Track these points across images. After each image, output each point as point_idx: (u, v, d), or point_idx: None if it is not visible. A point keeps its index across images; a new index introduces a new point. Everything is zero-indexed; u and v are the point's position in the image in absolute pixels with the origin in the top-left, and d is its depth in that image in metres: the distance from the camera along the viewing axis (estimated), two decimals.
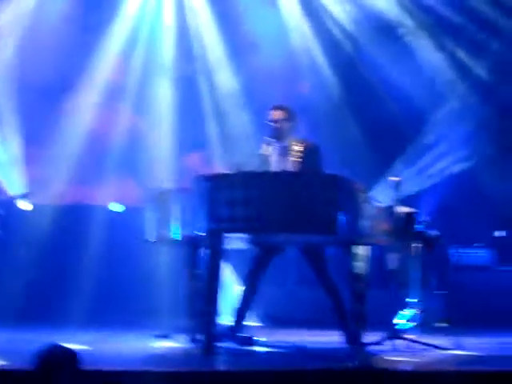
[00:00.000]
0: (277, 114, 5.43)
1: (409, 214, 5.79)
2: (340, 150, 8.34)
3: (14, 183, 8.20)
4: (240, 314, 5.43)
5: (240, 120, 9.12)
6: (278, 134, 5.41)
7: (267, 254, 5.46)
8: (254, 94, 9.03)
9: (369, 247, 5.13)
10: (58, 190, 8.70)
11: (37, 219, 8.09)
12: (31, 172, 8.45)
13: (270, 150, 5.45)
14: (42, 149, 8.72)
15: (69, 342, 3.37)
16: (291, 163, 5.34)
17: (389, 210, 5.27)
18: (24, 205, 7.75)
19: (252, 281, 5.45)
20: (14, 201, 7.61)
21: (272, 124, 5.42)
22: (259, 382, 3.70)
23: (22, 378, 3.34)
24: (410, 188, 8.12)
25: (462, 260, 8.13)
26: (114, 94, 9.06)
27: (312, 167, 5.29)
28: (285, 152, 5.41)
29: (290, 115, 5.47)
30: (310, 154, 5.37)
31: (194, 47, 9.31)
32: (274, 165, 5.39)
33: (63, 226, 8.17)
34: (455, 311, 7.37)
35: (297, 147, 5.39)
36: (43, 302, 7.50)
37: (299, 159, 5.34)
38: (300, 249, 5.51)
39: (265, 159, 5.44)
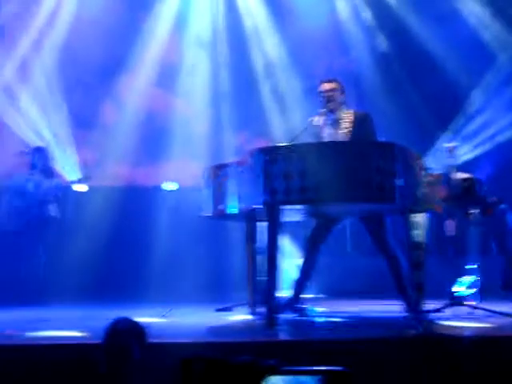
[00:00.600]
0: (328, 86, 5.45)
1: (466, 180, 5.73)
2: (390, 119, 8.28)
3: (69, 167, 8.37)
4: (299, 286, 5.47)
5: (290, 88, 9.11)
6: (329, 106, 5.41)
7: (326, 224, 5.48)
8: (301, 64, 9.00)
9: (426, 215, 5.09)
10: (113, 171, 8.86)
11: (93, 201, 8.27)
12: (85, 155, 8.61)
13: (322, 122, 5.45)
14: (95, 131, 8.88)
15: (135, 316, 3.44)
16: (343, 134, 5.34)
17: (446, 177, 5.22)
18: (80, 187, 7.91)
19: (311, 252, 5.48)
20: (71, 185, 7.77)
21: (323, 96, 5.43)
22: (320, 351, 3.72)
23: (92, 351, 3.43)
24: (465, 154, 8.03)
25: None
26: (164, 75, 9.14)
27: (365, 136, 5.27)
28: (337, 123, 5.40)
29: (341, 87, 5.50)
30: (362, 124, 5.35)
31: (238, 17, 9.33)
32: (327, 136, 5.40)
33: (120, 206, 8.33)
34: None
35: (348, 118, 5.38)
36: (105, 281, 7.69)
37: (351, 129, 5.33)
38: (359, 217, 5.51)
39: (317, 131, 5.45)
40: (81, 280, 7.43)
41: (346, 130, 5.35)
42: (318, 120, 5.47)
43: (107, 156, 8.87)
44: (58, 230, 7.58)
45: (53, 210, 7.48)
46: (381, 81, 9.18)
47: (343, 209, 5.05)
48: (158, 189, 8.92)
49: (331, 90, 5.44)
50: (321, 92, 5.46)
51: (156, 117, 9.14)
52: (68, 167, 8.32)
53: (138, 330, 3.34)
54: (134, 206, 8.51)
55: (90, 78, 8.78)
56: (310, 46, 9.12)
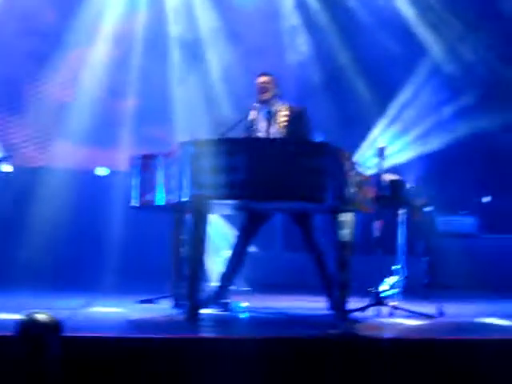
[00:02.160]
0: (262, 79, 5.46)
1: (395, 181, 5.79)
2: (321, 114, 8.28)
3: None
4: (225, 280, 5.43)
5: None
6: (262, 97, 5.41)
7: (255, 220, 5.45)
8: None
9: (354, 214, 5.12)
10: (40, 152, 8.63)
11: (19, 181, 8.03)
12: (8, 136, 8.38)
13: (257, 115, 5.42)
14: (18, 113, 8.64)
15: (51, 308, 3.33)
16: (278, 128, 5.32)
17: (375, 178, 5.26)
18: (5, 167, 7.66)
19: (239, 248, 5.45)
20: None
21: (257, 88, 5.42)
22: (241, 350, 3.70)
23: (4, 344, 3.31)
24: (397, 155, 8.14)
25: (448, 227, 8.16)
26: None
27: (299, 132, 5.26)
28: (271, 117, 5.38)
29: (274, 80, 5.49)
30: (298, 119, 5.36)
31: None
32: (260, 130, 5.37)
33: (48, 188, 8.11)
34: (438, 278, 7.43)
35: (284, 112, 5.37)
36: (22, 267, 7.47)
37: (286, 124, 5.32)
38: (289, 214, 5.50)
39: (251, 124, 5.41)
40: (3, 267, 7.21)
41: (281, 125, 5.33)
42: (252, 113, 5.43)
43: (34, 137, 8.65)
44: None
45: None
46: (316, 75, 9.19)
47: (272, 206, 5.03)
48: (90, 173, 8.75)
49: (264, 82, 5.44)
50: (256, 84, 5.45)
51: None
52: None
53: (55, 324, 3.24)
54: (64, 189, 8.29)
55: None
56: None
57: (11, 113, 8.72)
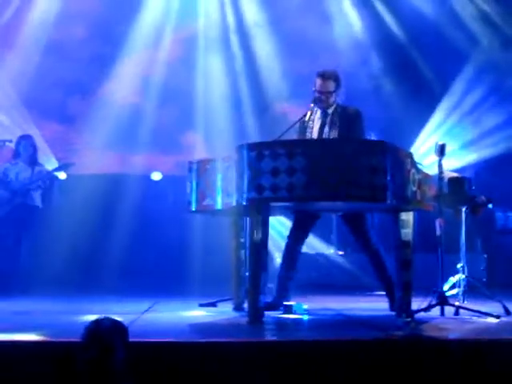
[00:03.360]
0: (325, 82, 5.27)
1: (456, 179, 5.69)
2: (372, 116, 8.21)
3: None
4: (283, 282, 5.41)
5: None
6: (323, 101, 5.29)
7: (306, 221, 5.40)
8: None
9: (414, 213, 5.03)
10: (96, 159, 8.77)
11: (78, 189, 8.17)
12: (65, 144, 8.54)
13: (312, 116, 5.35)
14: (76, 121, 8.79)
15: (114, 313, 3.36)
16: (333, 129, 5.26)
17: (436, 175, 5.16)
18: (61, 175, 7.81)
19: (290, 248, 5.41)
20: (52, 173, 7.61)
21: (318, 91, 5.28)
22: (304, 352, 3.68)
23: (71, 350, 3.35)
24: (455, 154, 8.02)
25: (509, 223, 8.01)
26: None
27: (353, 133, 5.19)
28: (326, 119, 5.31)
29: (338, 83, 5.32)
30: (353, 121, 5.27)
31: None
32: (316, 132, 5.31)
33: (103, 195, 8.23)
34: (497, 275, 7.29)
35: (339, 114, 5.29)
36: (90, 271, 7.61)
37: (341, 126, 5.24)
38: (341, 215, 5.45)
39: (306, 126, 5.35)
40: (65, 271, 7.34)
41: (336, 126, 5.26)
42: (309, 115, 5.35)
43: (92, 144, 8.79)
44: (43, 219, 7.47)
45: (37, 199, 7.36)
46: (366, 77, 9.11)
47: (332, 206, 4.98)
48: (145, 178, 8.85)
49: (327, 86, 5.27)
50: (315, 87, 5.30)
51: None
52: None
53: (122, 329, 3.27)
54: (120, 195, 8.41)
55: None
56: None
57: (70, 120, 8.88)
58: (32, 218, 7.32)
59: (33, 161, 7.45)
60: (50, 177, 7.52)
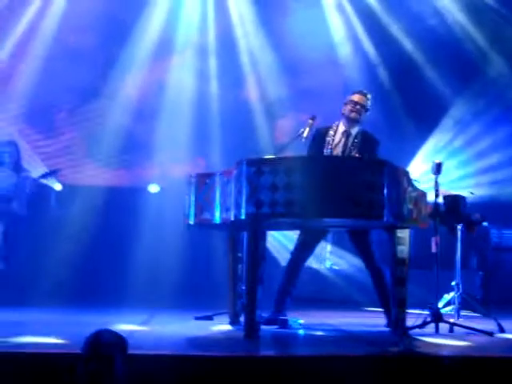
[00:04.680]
0: (359, 99, 5.40)
1: (451, 197, 5.75)
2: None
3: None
4: (282, 297, 5.44)
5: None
6: (352, 118, 5.38)
7: (312, 237, 5.45)
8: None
9: (410, 230, 5.08)
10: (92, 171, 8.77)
11: (69, 199, 8.15)
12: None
13: (335, 133, 5.41)
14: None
15: (115, 323, 3.38)
16: (349, 150, 5.33)
17: (432, 194, 5.22)
18: (54, 184, 7.75)
19: (293, 263, 5.45)
20: (41, 180, 7.51)
21: (352, 106, 5.37)
22: (300, 368, 3.70)
23: (72, 361, 3.37)
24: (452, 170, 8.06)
25: (503, 241, 8.05)
26: None
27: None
28: (347, 138, 5.38)
29: (370, 103, 5.46)
30: (373, 148, 5.35)
31: None
32: (334, 148, 5.37)
33: (100, 206, 8.24)
34: (493, 292, 7.32)
35: (358, 136, 5.37)
36: (85, 283, 7.60)
37: (362, 150, 5.31)
38: (346, 232, 5.49)
39: (326, 141, 5.39)
40: (60, 282, 7.33)
41: (352, 148, 5.34)
42: (331, 129, 5.43)
43: (88, 156, 8.80)
44: (36, 229, 7.43)
45: (18, 206, 7.15)
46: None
47: (329, 223, 5.02)
48: (142, 190, 8.86)
49: (360, 101, 5.39)
50: (351, 101, 5.41)
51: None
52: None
53: (122, 342, 3.29)
54: (116, 207, 8.42)
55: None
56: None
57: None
58: (14, 225, 7.17)
59: (17, 167, 7.26)
60: (37, 184, 7.43)
